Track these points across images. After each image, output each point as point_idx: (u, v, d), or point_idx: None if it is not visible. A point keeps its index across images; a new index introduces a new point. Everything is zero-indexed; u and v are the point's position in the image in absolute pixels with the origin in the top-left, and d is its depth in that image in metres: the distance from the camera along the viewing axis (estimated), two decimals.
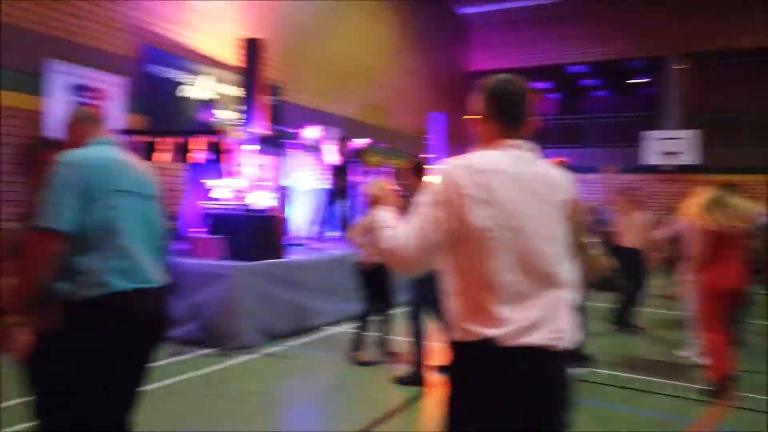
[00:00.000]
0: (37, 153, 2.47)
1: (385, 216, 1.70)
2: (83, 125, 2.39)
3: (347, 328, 5.90)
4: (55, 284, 2.00)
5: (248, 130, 6.19)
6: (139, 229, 2.16)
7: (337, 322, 6.27)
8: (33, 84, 6.21)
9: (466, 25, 17.57)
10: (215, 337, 5.12)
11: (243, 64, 6.70)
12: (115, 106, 6.96)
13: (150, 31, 7.57)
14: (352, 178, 8.57)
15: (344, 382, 4.63)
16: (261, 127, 6.35)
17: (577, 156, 15.55)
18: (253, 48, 6.53)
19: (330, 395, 4.41)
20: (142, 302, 2.09)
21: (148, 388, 2.33)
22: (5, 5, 5.95)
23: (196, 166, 6.36)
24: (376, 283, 4.86)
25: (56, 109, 6.27)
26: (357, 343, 4.96)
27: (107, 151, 2.26)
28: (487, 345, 1.48)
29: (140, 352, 2.18)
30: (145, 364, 2.21)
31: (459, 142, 11.63)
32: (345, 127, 10.96)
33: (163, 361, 4.57)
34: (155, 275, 2.18)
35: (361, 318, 4.98)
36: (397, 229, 1.62)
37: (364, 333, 4.97)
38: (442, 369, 4.22)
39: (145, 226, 2.21)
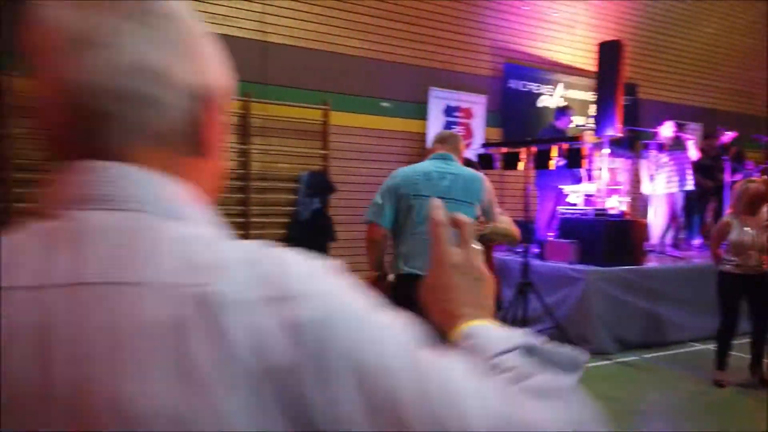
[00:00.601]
0: None
1: None
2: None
3: (711, 346, 5.41)
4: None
5: (603, 133, 6.22)
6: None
7: (699, 339, 5.79)
8: (417, 110, 7.51)
9: None
10: (568, 338, 5.36)
11: (599, 68, 6.74)
12: (478, 122, 7.84)
13: (509, 49, 8.25)
14: (720, 177, 7.69)
15: (702, 402, 4.32)
16: (615, 130, 6.30)
17: None
18: (611, 51, 6.51)
19: (686, 412, 4.19)
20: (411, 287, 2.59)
21: None
22: (396, 47, 7.37)
23: (550, 172, 6.70)
24: (755, 297, 4.38)
25: (434, 130, 7.46)
26: (721, 363, 4.54)
27: (427, 165, 2.93)
28: None
29: None
30: None
31: None
32: (709, 120, 9.83)
33: None
34: None
35: (724, 335, 4.55)
36: None
37: (729, 352, 4.53)
38: None
39: None
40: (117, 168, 0.53)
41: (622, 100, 6.45)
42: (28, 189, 5.44)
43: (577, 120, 8.47)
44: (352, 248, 7.24)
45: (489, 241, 3.09)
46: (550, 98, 8.52)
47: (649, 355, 5.34)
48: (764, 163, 8.37)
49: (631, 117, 8.50)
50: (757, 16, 11.15)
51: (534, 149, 5.34)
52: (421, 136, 7.52)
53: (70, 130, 0.54)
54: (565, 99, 8.60)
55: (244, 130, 6.55)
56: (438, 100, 7.53)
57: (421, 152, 7.46)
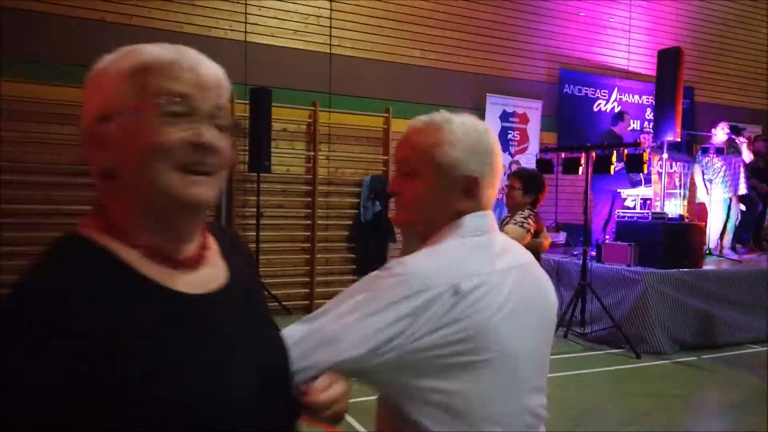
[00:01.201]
0: None
1: None
2: None
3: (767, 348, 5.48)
4: None
5: (661, 138, 6.34)
6: None
7: (756, 341, 5.84)
8: (476, 116, 7.76)
9: None
10: (625, 338, 5.50)
11: (658, 74, 6.84)
12: (534, 127, 8.04)
13: (564, 54, 8.41)
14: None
15: (761, 401, 4.43)
16: (674, 135, 6.39)
17: None
18: (671, 57, 6.61)
19: (744, 410, 4.31)
20: None
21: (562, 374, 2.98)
22: (453, 55, 7.65)
23: (606, 177, 6.84)
24: None
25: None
26: None
27: None
28: None
29: None
30: None
31: None
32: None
33: (578, 353, 5.25)
34: None
35: None
36: None
37: None
38: None
39: None
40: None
41: (681, 106, 6.54)
42: (15, 191, 5.47)
43: (633, 124, 8.55)
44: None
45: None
46: (606, 103, 8.63)
47: (707, 356, 5.44)
48: None
49: (688, 121, 8.52)
50: None
51: (594, 154, 5.52)
52: None
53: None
54: (620, 103, 8.69)
55: (311, 137, 6.96)
56: (494, 106, 7.77)
57: None
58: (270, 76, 6.60)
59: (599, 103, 8.60)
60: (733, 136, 7.12)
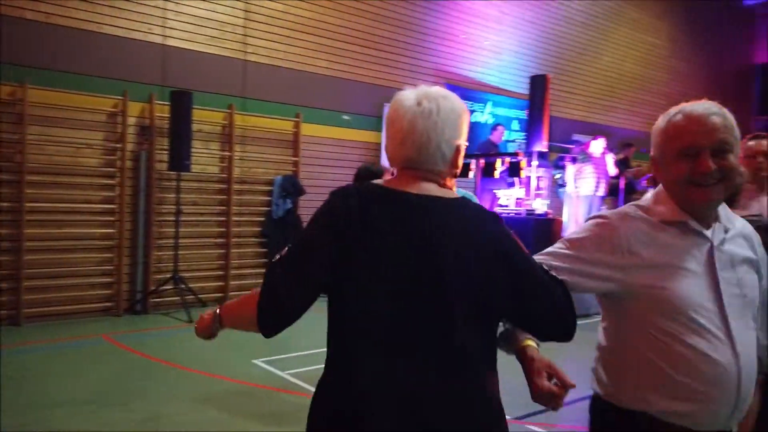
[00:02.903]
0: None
1: None
2: None
3: None
4: None
5: (532, 148, 7.66)
6: None
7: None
8: (374, 123, 8.63)
9: (753, 17, 16.32)
10: None
11: (530, 95, 8.20)
12: None
13: (448, 71, 9.57)
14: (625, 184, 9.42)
15: None
16: (542, 146, 7.74)
17: None
18: (540, 82, 7.97)
19: None
20: None
21: None
22: (355, 67, 8.45)
23: (487, 180, 8.06)
24: None
25: None
26: None
27: None
28: None
29: None
30: None
31: None
32: (615, 137, 11.69)
33: None
34: None
35: None
36: None
37: None
38: None
39: None
40: None
41: (548, 122, 7.93)
42: (39, 191, 6.02)
43: (512, 136, 9.96)
44: None
45: None
46: (482, 115, 9.92)
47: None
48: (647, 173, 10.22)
49: (549, 132, 10.09)
50: (649, 48, 13.24)
51: (482, 161, 6.62)
52: (377, 146, 8.64)
53: None
54: (493, 116, 10.05)
55: (226, 138, 7.37)
56: None
57: (375, 160, 8.59)
58: (188, 80, 6.92)
59: (476, 115, 9.87)
60: (600, 147, 8.69)
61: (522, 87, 10.63)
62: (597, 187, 8.57)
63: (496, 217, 1.35)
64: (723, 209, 1.42)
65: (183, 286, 6.74)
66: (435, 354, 1.19)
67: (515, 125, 10.46)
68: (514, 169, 6.50)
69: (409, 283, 1.20)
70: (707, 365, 1.28)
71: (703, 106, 1.36)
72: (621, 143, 10.31)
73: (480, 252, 1.24)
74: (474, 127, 9.84)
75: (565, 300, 1.31)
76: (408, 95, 1.33)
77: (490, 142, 8.22)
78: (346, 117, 8.44)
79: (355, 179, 3.78)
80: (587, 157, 8.20)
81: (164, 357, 5.04)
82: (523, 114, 10.53)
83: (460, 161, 1.38)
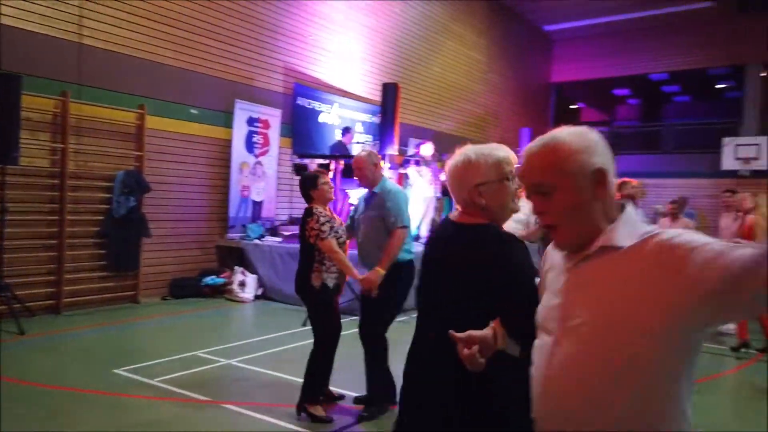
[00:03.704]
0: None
1: None
2: (377, 165, 4.23)
3: None
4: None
5: (384, 151, 8.06)
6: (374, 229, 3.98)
7: None
8: (224, 119, 8.38)
9: (551, 41, 18.83)
10: None
11: (382, 101, 8.61)
12: (275, 133, 9.05)
13: (297, 71, 9.63)
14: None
15: None
16: (392, 149, 8.18)
17: (659, 162, 16.54)
18: (392, 90, 8.41)
19: None
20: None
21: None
22: (207, 60, 8.15)
23: (344, 179, 8.28)
24: None
25: (238, 137, 8.44)
26: None
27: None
28: None
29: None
30: None
31: None
32: (444, 142, 12.70)
33: None
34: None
35: None
36: None
37: None
38: None
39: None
40: None
41: (398, 127, 8.40)
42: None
43: (362, 138, 10.31)
44: (164, 244, 7.80)
45: None
46: (329, 115, 10.16)
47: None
48: None
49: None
50: (471, 62, 14.60)
51: (342, 162, 6.84)
52: (227, 143, 8.41)
53: None
54: (340, 117, 10.34)
55: (59, 128, 6.63)
56: (242, 111, 8.50)
57: (227, 157, 8.38)
58: (16, 62, 6.11)
59: (323, 115, 10.07)
60: (432, 151, 9.34)
61: (366, 91, 11.10)
62: (432, 188, 9.27)
63: None
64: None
65: (8, 294, 5.94)
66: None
67: (359, 127, 10.87)
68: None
69: None
70: None
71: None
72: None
73: None
74: (322, 127, 10.04)
75: None
76: None
77: (342, 144, 8.47)
78: (194, 111, 8.08)
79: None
80: (425, 161, 8.88)
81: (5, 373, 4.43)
82: (368, 117, 11.00)
83: None
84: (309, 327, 6.33)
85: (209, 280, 8.05)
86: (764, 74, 16.43)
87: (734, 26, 15.83)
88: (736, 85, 18.80)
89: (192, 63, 7.99)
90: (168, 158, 7.77)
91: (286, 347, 5.58)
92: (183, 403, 3.97)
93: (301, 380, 3.82)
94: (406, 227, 3.84)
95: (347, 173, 6.85)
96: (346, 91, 10.63)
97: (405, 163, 9.19)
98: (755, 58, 16.14)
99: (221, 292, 8.00)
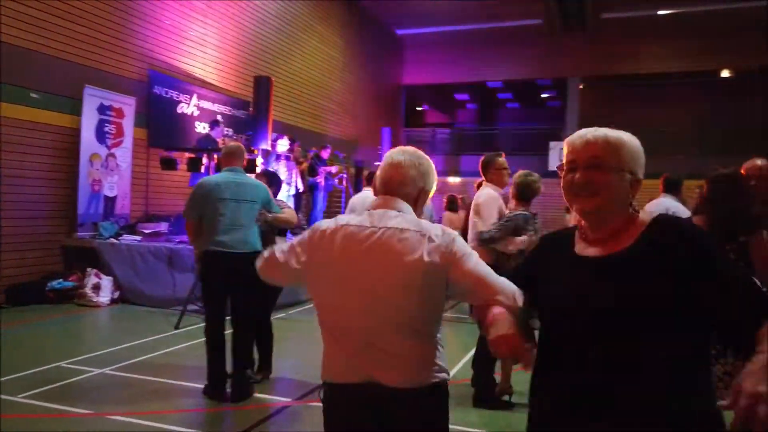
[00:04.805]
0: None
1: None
2: (225, 157, 4.17)
3: None
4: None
5: (258, 145, 7.84)
6: (231, 219, 3.95)
7: None
8: (71, 106, 7.56)
9: (403, 44, 19.65)
10: None
11: (255, 95, 8.37)
12: (128, 122, 8.37)
13: (153, 57, 8.99)
14: (316, 181, 10.37)
15: None
16: (266, 143, 7.99)
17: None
18: (265, 84, 8.19)
19: None
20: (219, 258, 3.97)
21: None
22: (51, 40, 7.29)
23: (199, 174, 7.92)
24: None
25: (88, 126, 7.67)
26: None
27: (225, 176, 4.06)
28: None
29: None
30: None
31: None
32: (303, 137, 12.69)
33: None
34: (237, 244, 3.99)
35: None
36: None
37: None
38: None
39: (237, 217, 4.01)
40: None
41: (271, 121, 8.21)
42: None
43: (226, 131, 9.87)
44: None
45: (273, 226, 4.38)
46: (187, 106, 9.62)
47: (293, 311, 7.24)
48: (342, 171, 11.52)
49: (247, 127, 10.39)
50: (330, 60, 14.71)
51: (215, 156, 6.54)
52: (74, 132, 7.60)
53: None
54: (199, 108, 9.85)
55: None
56: (92, 98, 7.74)
57: (74, 147, 7.60)
58: None
59: (182, 106, 9.52)
60: (292, 146, 9.31)
61: (227, 83, 10.70)
62: (291, 183, 9.27)
63: None
64: None
65: None
66: None
67: (219, 119, 10.42)
68: (250, 166, 6.61)
69: None
70: None
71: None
72: (322, 144, 11.36)
73: None
74: (182, 119, 9.49)
75: None
76: None
77: (210, 137, 8.08)
78: (35, 95, 7.18)
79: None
80: (286, 157, 8.87)
81: None
82: (229, 110, 10.61)
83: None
84: (182, 329, 6.03)
85: (56, 284, 7.23)
86: (582, 86, 18.79)
87: (558, 43, 17.84)
88: (558, 95, 21.23)
89: (34, 42, 7.10)
90: (5, 147, 6.83)
91: (162, 352, 5.23)
92: (67, 419, 3.58)
93: (188, 384, 3.65)
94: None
95: (218, 169, 6.58)
96: (206, 82, 10.16)
97: (275, 158, 9.06)
98: (575, 72, 18.41)
99: (70, 297, 7.23)
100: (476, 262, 1.65)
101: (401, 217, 1.68)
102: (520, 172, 4.24)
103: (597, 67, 18.09)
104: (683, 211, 5.03)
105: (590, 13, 15.95)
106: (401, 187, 1.75)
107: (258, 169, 6.83)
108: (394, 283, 1.61)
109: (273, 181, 4.59)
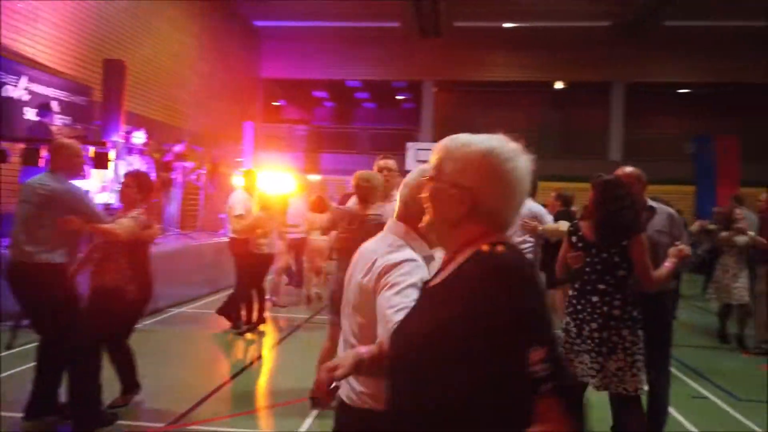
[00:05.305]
0: None
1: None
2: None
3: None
4: None
5: (109, 137, 6.98)
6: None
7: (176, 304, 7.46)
8: None
9: (261, 36, 18.98)
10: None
11: (104, 82, 7.44)
12: None
13: None
14: (172, 176, 9.60)
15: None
16: (118, 135, 7.16)
17: (356, 161, 18.23)
18: (117, 69, 7.29)
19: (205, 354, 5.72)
20: None
21: None
22: None
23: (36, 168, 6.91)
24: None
25: None
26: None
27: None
28: None
29: None
30: None
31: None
32: (155, 129, 11.69)
33: None
34: None
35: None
36: None
37: None
38: None
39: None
40: None
41: (124, 111, 7.35)
42: None
43: (62, 120, 8.67)
44: None
45: None
46: (15, 89, 8.33)
47: (148, 321, 6.61)
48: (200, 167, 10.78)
49: (89, 116, 9.30)
50: (183, 48, 13.70)
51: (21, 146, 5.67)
52: None
53: None
54: (30, 93, 8.59)
55: None
56: None
57: None
58: None
59: (8, 88, 8.21)
60: (144, 139, 8.50)
61: (64, 65, 9.47)
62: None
63: None
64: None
65: None
66: None
67: (53, 107, 9.19)
68: (101, 161, 5.84)
69: None
70: None
71: None
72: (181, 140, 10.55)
73: None
74: (7, 103, 8.20)
75: None
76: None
77: (43, 125, 7.04)
78: None
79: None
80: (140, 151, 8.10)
81: None
82: (67, 96, 9.38)
83: None
84: (14, 350, 5.17)
85: None
86: (435, 90, 19.61)
87: (414, 47, 18.41)
88: (413, 97, 21.95)
89: None
90: None
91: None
92: None
93: None
94: None
95: (30, 159, 5.74)
96: (38, 62, 8.88)
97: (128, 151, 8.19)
98: (429, 75, 19.16)
99: None
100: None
101: None
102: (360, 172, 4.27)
103: (449, 72, 19.00)
104: (544, 213, 5.37)
105: (444, 21, 16.66)
106: None
107: (110, 165, 6.11)
108: None
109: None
